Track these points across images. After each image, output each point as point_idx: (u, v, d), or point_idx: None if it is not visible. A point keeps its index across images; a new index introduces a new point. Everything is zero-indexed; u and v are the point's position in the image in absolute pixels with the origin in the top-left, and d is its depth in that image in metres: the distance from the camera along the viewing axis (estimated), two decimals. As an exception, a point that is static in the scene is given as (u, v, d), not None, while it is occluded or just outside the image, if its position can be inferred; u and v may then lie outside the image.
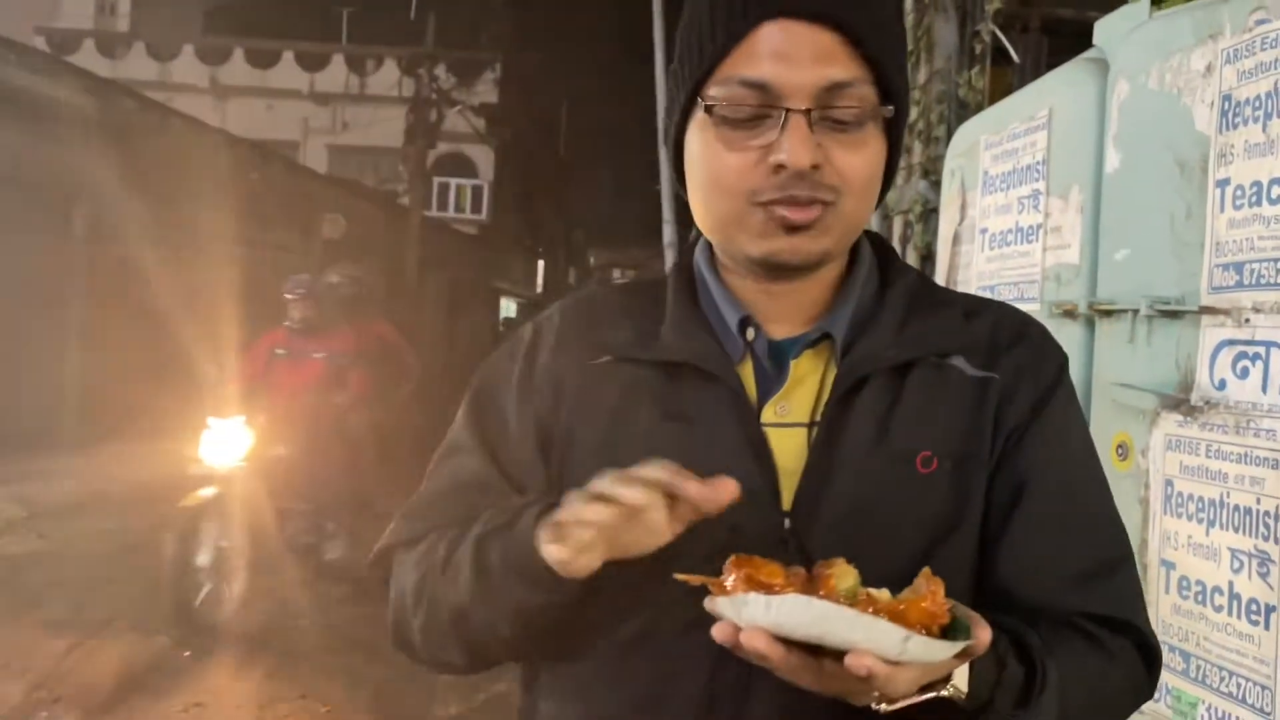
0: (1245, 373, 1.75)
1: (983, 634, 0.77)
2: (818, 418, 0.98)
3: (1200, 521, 1.82)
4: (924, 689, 0.80)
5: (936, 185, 3.45)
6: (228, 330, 7.10)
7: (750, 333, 1.02)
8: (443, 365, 15.11)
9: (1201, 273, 1.85)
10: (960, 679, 0.82)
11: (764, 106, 0.93)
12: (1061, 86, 2.38)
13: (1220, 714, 1.76)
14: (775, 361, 1.01)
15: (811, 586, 0.78)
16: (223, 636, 5.18)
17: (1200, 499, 1.82)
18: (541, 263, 32.41)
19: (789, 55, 0.92)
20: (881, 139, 0.97)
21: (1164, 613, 1.90)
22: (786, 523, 0.94)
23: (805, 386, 1.00)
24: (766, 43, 0.92)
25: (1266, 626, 1.67)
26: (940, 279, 2.92)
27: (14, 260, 9.63)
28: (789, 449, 0.97)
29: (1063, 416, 1.03)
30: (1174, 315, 1.90)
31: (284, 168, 16.17)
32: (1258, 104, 1.75)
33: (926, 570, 0.80)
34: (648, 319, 1.04)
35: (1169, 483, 1.90)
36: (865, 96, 0.93)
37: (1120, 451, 2.03)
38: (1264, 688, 1.67)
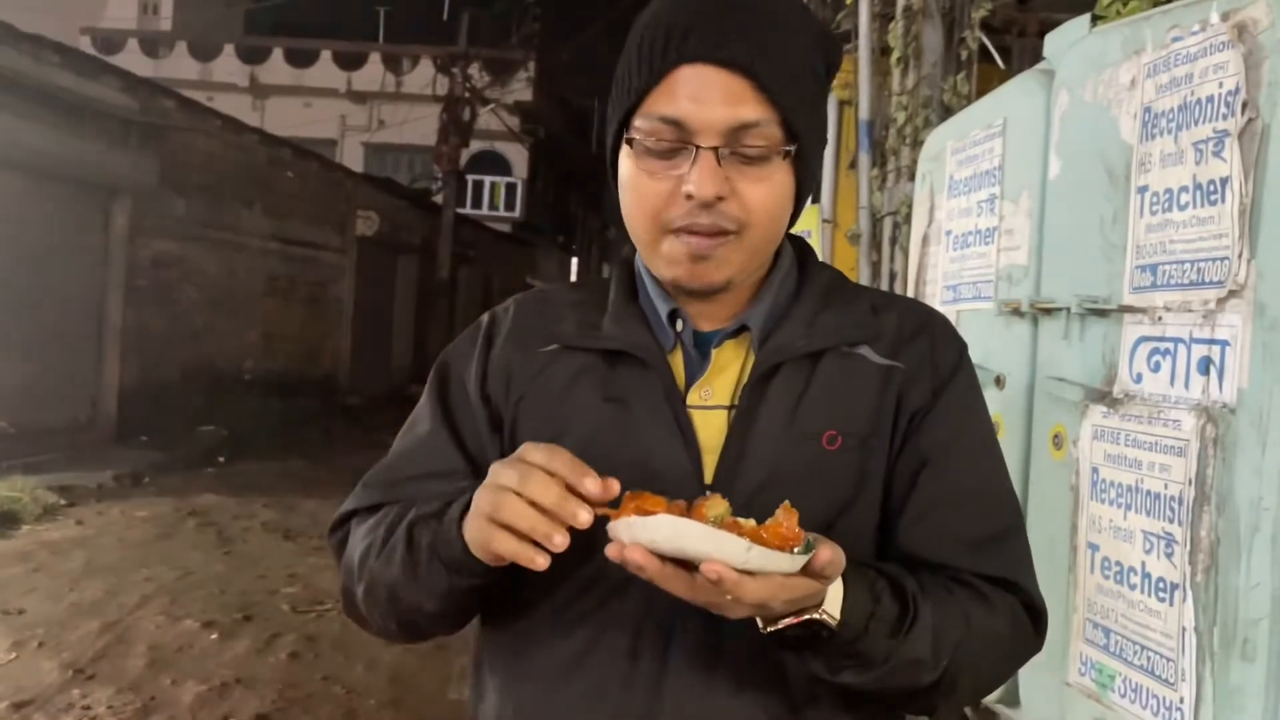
0: (1158, 367, 1.88)
1: (824, 550, 0.88)
2: (736, 401, 1.10)
3: (1120, 506, 1.94)
4: (799, 614, 0.92)
5: (925, 187, 3.57)
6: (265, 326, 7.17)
7: (679, 324, 1.15)
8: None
9: (1124, 274, 1.98)
10: (833, 606, 0.94)
11: (679, 141, 1.05)
12: (1016, 96, 2.50)
13: (1133, 684, 1.89)
14: (701, 351, 1.14)
15: (687, 515, 0.91)
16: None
17: (1120, 485, 1.95)
18: (575, 259, 32.57)
19: (702, 96, 1.03)
20: (788, 172, 1.08)
21: (1089, 593, 2.03)
22: (707, 494, 1.08)
23: (727, 373, 1.12)
24: (683, 84, 1.03)
25: (1171, 603, 1.80)
26: (910, 279, 3.05)
27: (56, 256, 9.93)
28: (711, 429, 1.10)
29: (962, 400, 1.15)
30: (1101, 313, 2.03)
31: (320, 166, 16.46)
32: (1171, 116, 1.88)
33: (785, 504, 0.92)
34: (592, 312, 1.18)
35: (1095, 470, 2.02)
36: (771, 135, 1.04)
37: (1056, 442, 2.16)
38: (1169, 660, 1.80)
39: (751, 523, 0.90)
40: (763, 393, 1.10)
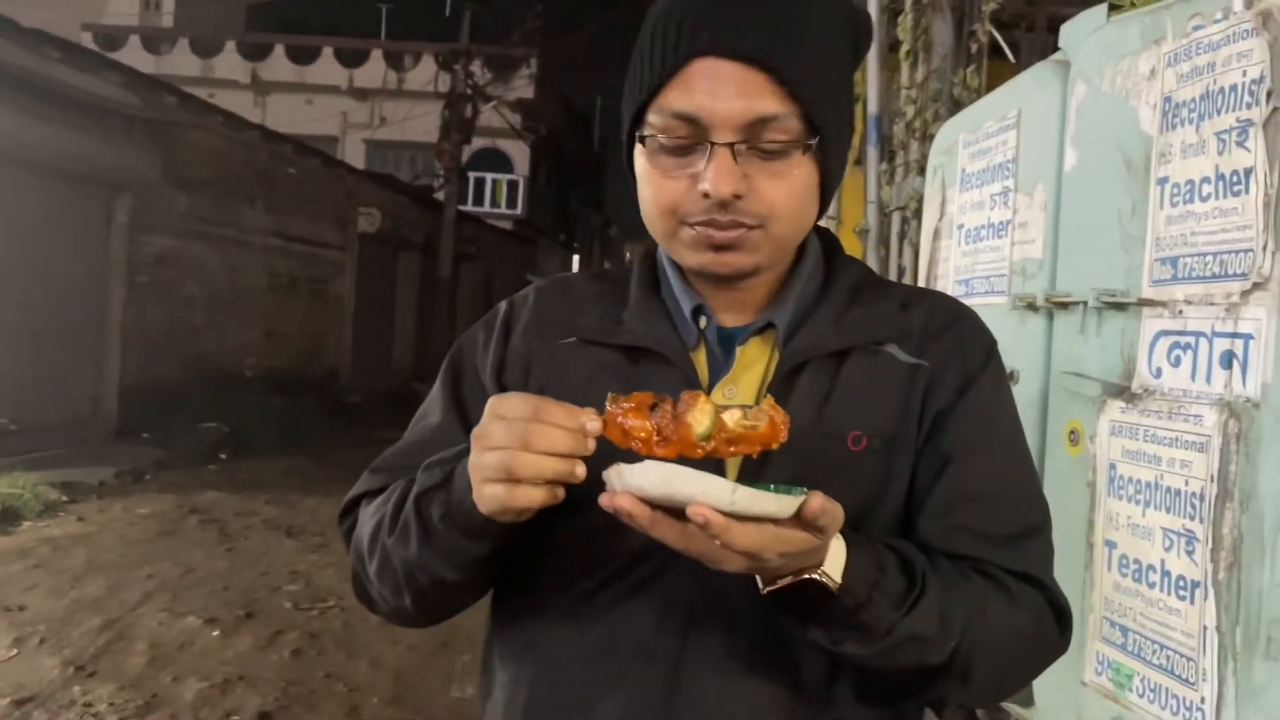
0: (1178, 361, 1.85)
1: (815, 499, 0.85)
2: (761, 400, 1.06)
3: (1138, 503, 1.91)
4: (797, 574, 0.90)
5: (934, 181, 3.54)
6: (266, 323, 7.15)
7: (703, 321, 1.12)
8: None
9: (1143, 266, 1.94)
10: (834, 569, 0.91)
11: (693, 137, 1.02)
12: (1030, 87, 2.47)
13: (1152, 684, 1.86)
14: (725, 348, 1.11)
15: (673, 409, 0.91)
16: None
17: (1138, 481, 1.92)
18: (576, 257, 32.55)
19: (717, 91, 0.99)
20: (811, 165, 1.04)
21: (1107, 591, 2.00)
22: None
23: (752, 371, 1.10)
24: (698, 78, 1.00)
25: (1192, 601, 1.77)
26: (922, 273, 3.02)
27: (57, 253, 9.90)
28: None
29: (988, 397, 1.12)
30: (1119, 307, 2.00)
31: (322, 162, 16.44)
32: (1193, 106, 1.85)
33: (769, 398, 0.93)
34: (613, 305, 1.15)
35: (1112, 466, 1.99)
36: (791, 129, 1.00)
37: (1072, 437, 2.13)
38: (1189, 659, 1.77)
39: (737, 413, 0.91)
40: (788, 391, 1.07)
